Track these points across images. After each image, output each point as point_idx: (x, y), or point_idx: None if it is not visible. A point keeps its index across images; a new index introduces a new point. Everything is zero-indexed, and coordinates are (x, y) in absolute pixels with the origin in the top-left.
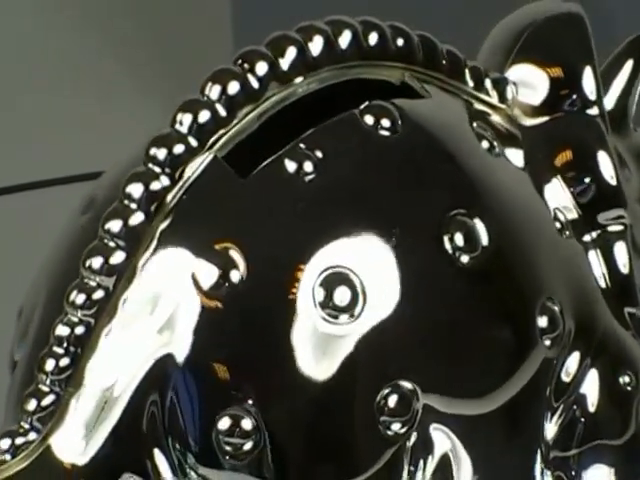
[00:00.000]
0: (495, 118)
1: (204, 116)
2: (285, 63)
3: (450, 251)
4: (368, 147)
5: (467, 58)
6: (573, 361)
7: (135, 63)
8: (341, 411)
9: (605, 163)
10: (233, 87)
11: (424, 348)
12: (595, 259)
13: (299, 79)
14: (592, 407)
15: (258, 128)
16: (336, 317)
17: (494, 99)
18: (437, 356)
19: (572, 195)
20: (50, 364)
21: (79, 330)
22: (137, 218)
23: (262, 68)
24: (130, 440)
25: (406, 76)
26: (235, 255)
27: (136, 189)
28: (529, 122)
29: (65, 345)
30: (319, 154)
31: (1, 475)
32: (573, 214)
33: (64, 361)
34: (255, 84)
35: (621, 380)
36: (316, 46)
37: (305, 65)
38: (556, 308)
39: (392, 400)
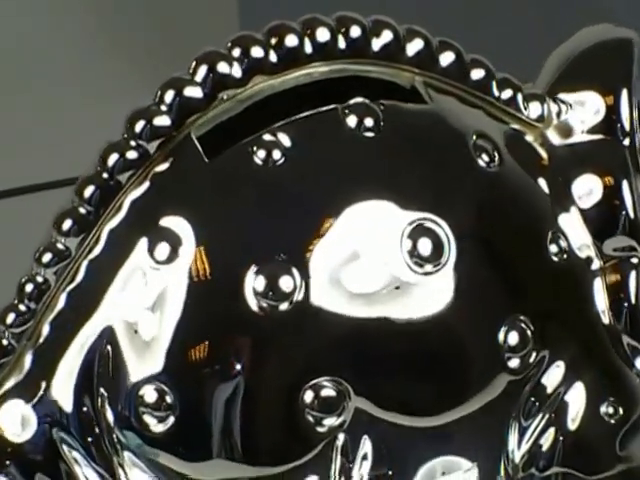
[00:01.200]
0: (527, 137)
1: (187, 93)
2: (275, 53)
3: (411, 258)
4: (341, 143)
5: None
6: (551, 382)
7: (139, 65)
8: (256, 404)
9: (627, 194)
10: (220, 68)
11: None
12: (601, 288)
13: (292, 69)
14: (572, 427)
15: (258, 114)
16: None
17: (527, 114)
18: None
19: (587, 222)
20: (10, 317)
21: (42, 287)
22: (108, 186)
23: (255, 53)
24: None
25: (416, 80)
26: (183, 233)
27: (112, 158)
28: (560, 142)
29: (27, 301)
30: (287, 143)
31: None
32: (585, 240)
33: (24, 316)
34: (239, 69)
35: (603, 409)
36: (315, 39)
37: (298, 56)
38: (527, 327)
39: (324, 393)
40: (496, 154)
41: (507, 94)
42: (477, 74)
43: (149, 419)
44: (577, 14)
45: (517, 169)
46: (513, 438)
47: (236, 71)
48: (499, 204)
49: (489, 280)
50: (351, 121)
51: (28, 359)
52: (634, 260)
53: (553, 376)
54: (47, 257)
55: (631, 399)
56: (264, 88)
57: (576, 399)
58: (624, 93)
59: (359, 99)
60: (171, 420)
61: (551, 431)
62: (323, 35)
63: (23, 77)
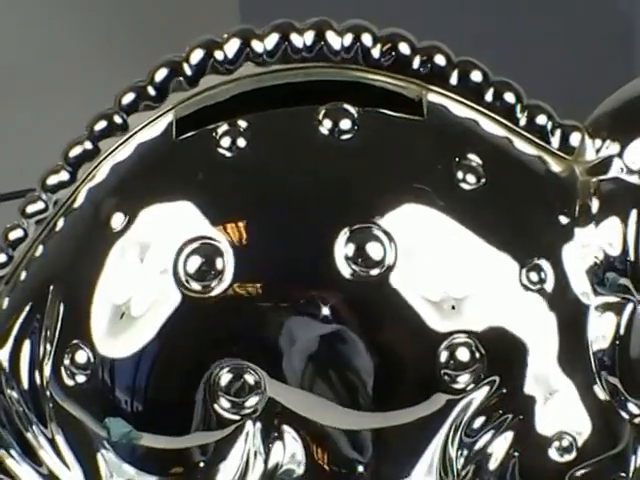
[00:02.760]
0: (554, 167)
1: (175, 74)
2: (265, 46)
3: (348, 264)
4: (306, 141)
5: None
6: (500, 406)
7: (137, 66)
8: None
9: (632, 235)
10: (214, 54)
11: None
12: (593, 325)
13: (284, 66)
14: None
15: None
16: None
17: (555, 144)
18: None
19: (589, 255)
20: None
21: (19, 234)
22: (89, 149)
23: (252, 45)
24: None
25: (424, 94)
26: (131, 209)
27: (99, 125)
28: (589, 177)
29: (9, 249)
30: (249, 133)
31: None
32: (583, 274)
33: (3, 265)
34: (230, 57)
35: (556, 443)
36: (316, 39)
37: (290, 53)
38: (475, 349)
39: (225, 378)
40: (480, 178)
41: (534, 120)
42: (505, 96)
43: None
44: (593, 17)
45: (506, 195)
46: (453, 454)
47: (226, 59)
48: (459, 222)
49: (434, 296)
50: (326, 123)
51: (4, 302)
52: (623, 299)
53: (502, 402)
54: (30, 209)
55: (591, 440)
56: (253, 80)
57: (523, 429)
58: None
59: (339, 103)
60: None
61: (499, 450)
62: (309, 37)
63: (28, 78)
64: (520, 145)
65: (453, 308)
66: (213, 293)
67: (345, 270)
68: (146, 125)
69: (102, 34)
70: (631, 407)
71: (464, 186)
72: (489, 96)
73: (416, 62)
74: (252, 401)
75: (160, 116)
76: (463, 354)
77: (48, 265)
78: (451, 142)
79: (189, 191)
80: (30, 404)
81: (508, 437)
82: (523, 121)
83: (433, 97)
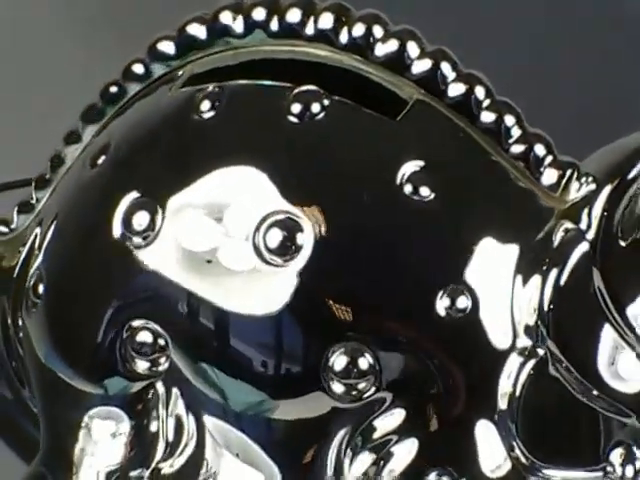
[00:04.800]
0: (533, 202)
1: (192, 31)
2: (278, 22)
3: (261, 252)
4: (271, 119)
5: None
6: (384, 426)
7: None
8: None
9: (549, 287)
10: (223, 19)
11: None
12: (508, 369)
13: (291, 42)
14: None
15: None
16: None
17: (544, 178)
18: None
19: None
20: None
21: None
22: (117, 92)
23: (257, 15)
24: None
25: (415, 97)
26: (110, 137)
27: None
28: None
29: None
30: (224, 101)
31: None
32: (531, 319)
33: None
34: (240, 27)
35: (431, 477)
36: (322, 21)
37: (299, 32)
38: (368, 360)
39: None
40: (432, 191)
41: (528, 149)
42: (489, 117)
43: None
44: (603, 20)
45: (453, 215)
46: (346, 466)
47: (238, 26)
48: (386, 227)
49: (336, 297)
50: (295, 105)
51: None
52: (539, 351)
53: (388, 421)
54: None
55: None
56: (261, 50)
57: (404, 453)
58: (606, 189)
59: (314, 87)
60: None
61: (372, 470)
62: (327, 22)
63: (30, 74)
64: (500, 173)
65: (355, 314)
66: (143, 246)
67: (252, 257)
68: (164, 76)
69: (98, 32)
70: (517, 450)
71: (408, 194)
72: (486, 116)
73: (418, 66)
74: (155, 362)
75: (178, 69)
76: (348, 362)
77: None
78: (413, 149)
79: (161, 143)
80: None
81: (387, 460)
82: (515, 148)
83: (424, 103)
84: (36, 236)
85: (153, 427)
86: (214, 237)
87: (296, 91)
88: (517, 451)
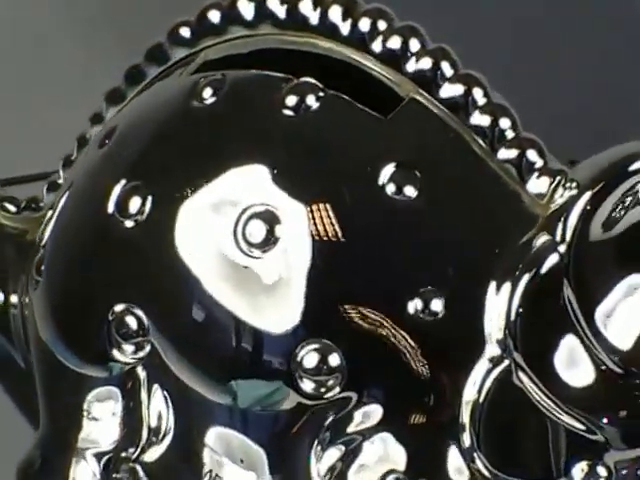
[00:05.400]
0: (518, 207)
1: (209, 16)
2: (286, 11)
3: (240, 245)
4: (265, 109)
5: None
6: (352, 425)
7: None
8: None
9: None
10: (241, 6)
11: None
12: (476, 376)
13: (297, 33)
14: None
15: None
16: None
17: (531, 185)
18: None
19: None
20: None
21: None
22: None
23: (270, 3)
24: None
25: (411, 95)
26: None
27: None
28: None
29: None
30: (224, 89)
31: None
32: (500, 327)
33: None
34: (250, 14)
35: None
36: (332, 13)
37: (304, 23)
38: (336, 359)
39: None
40: (415, 191)
41: (520, 153)
42: (483, 119)
43: None
44: (603, 20)
45: (435, 217)
46: (314, 462)
47: (249, 13)
48: (363, 225)
49: (307, 293)
50: (291, 98)
51: None
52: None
53: (355, 421)
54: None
55: None
56: (270, 39)
57: (369, 452)
58: (584, 197)
59: (310, 80)
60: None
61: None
62: (336, 15)
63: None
64: (488, 176)
65: (326, 311)
66: (133, 229)
67: (232, 247)
68: (181, 60)
69: (97, 32)
70: (478, 462)
71: (391, 193)
72: (480, 118)
73: (417, 63)
74: (137, 346)
75: (194, 54)
76: (318, 359)
77: None
78: (399, 148)
79: (162, 130)
80: None
81: (354, 457)
82: (507, 152)
83: (418, 102)
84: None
85: (138, 408)
86: (199, 225)
87: (292, 83)
88: (478, 462)
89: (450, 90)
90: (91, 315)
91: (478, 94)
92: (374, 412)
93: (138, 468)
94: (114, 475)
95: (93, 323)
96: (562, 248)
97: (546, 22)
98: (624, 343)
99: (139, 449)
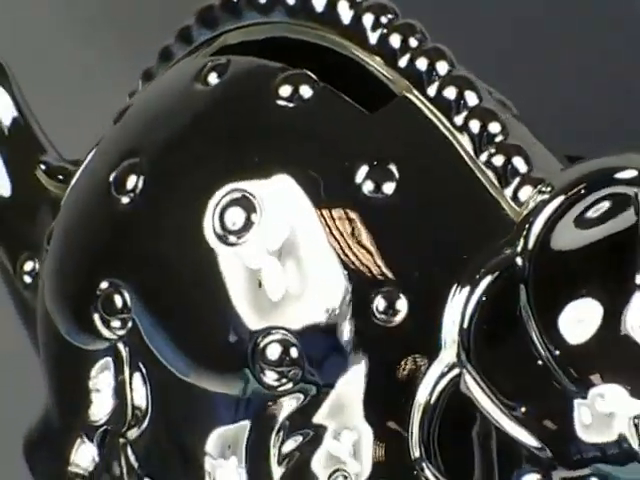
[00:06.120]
0: (496, 214)
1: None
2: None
3: (216, 230)
4: (259, 98)
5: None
6: (305, 416)
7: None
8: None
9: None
10: None
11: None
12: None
13: (308, 22)
14: None
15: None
16: None
17: (514, 191)
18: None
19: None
20: None
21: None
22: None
23: None
24: None
25: (405, 92)
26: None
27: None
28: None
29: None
30: (227, 74)
31: None
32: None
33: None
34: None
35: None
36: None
37: (310, 12)
38: (292, 350)
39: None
40: (390, 189)
41: (506, 160)
42: (472, 123)
43: None
44: (603, 20)
45: (410, 217)
46: (273, 450)
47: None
48: (332, 218)
49: (270, 282)
50: (285, 91)
51: None
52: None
53: (313, 413)
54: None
55: None
56: (281, 27)
57: (324, 448)
58: (552, 204)
59: (305, 71)
60: None
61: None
62: (345, 9)
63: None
64: (468, 181)
65: (286, 303)
66: (127, 205)
67: (209, 233)
68: (204, 43)
69: (97, 32)
70: (427, 472)
71: (367, 190)
72: (468, 122)
73: (413, 62)
74: (120, 322)
75: (216, 37)
76: (278, 350)
77: None
78: (381, 146)
79: (160, 111)
80: None
81: (306, 450)
82: (491, 157)
83: (409, 100)
84: None
85: (122, 383)
86: (182, 207)
87: (286, 73)
88: (427, 472)
89: (441, 91)
90: (81, 287)
91: (470, 96)
92: (332, 406)
93: (127, 445)
94: (107, 450)
95: (83, 295)
96: (522, 255)
97: (546, 22)
98: (576, 358)
99: (126, 425)
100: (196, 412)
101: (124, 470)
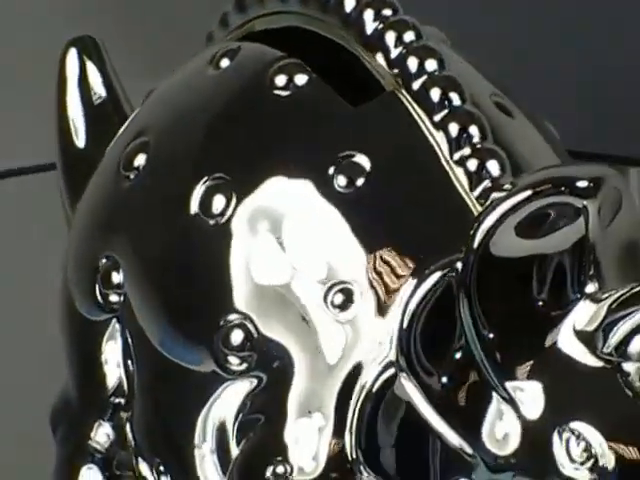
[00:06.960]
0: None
1: None
2: None
3: (197, 213)
4: (254, 87)
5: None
6: (255, 404)
7: (139, 63)
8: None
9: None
10: None
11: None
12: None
13: (320, 14)
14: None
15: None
16: None
17: (485, 195)
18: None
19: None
20: None
21: None
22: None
23: None
24: None
25: (393, 87)
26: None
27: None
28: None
29: None
30: (228, 60)
31: None
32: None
33: None
34: None
35: (270, 467)
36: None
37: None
38: (253, 336)
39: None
40: (359, 184)
41: (480, 164)
42: (451, 124)
43: None
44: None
45: (378, 212)
46: (229, 430)
47: None
48: (301, 211)
49: (234, 268)
50: (280, 80)
51: None
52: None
53: (259, 400)
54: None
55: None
56: (295, 18)
57: (265, 434)
58: (501, 206)
59: (299, 62)
60: None
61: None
62: (350, 4)
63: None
64: (441, 181)
65: (243, 289)
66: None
67: (192, 216)
68: (237, 29)
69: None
70: (364, 475)
71: (339, 184)
72: (448, 123)
73: (406, 60)
74: (114, 298)
75: (245, 24)
76: (237, 336)
77: None
78: (358, 140)
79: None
80: None
81: (250, 441)
82: (466, 160)
83: (394, 96)
84: None
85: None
86: (171, 186)
87: (281, 62)
88: (364, 475)
89: (426, 90)
90: (88, 261)
91: (454, 97)
92: (273, 395)
93: (127, 422)
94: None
95: (89, 269)
96: (464, 258)
97: (546, 22)
98: (512, 367)
99: (124, 399)
100: (176, 392)
101: (130, 449)
